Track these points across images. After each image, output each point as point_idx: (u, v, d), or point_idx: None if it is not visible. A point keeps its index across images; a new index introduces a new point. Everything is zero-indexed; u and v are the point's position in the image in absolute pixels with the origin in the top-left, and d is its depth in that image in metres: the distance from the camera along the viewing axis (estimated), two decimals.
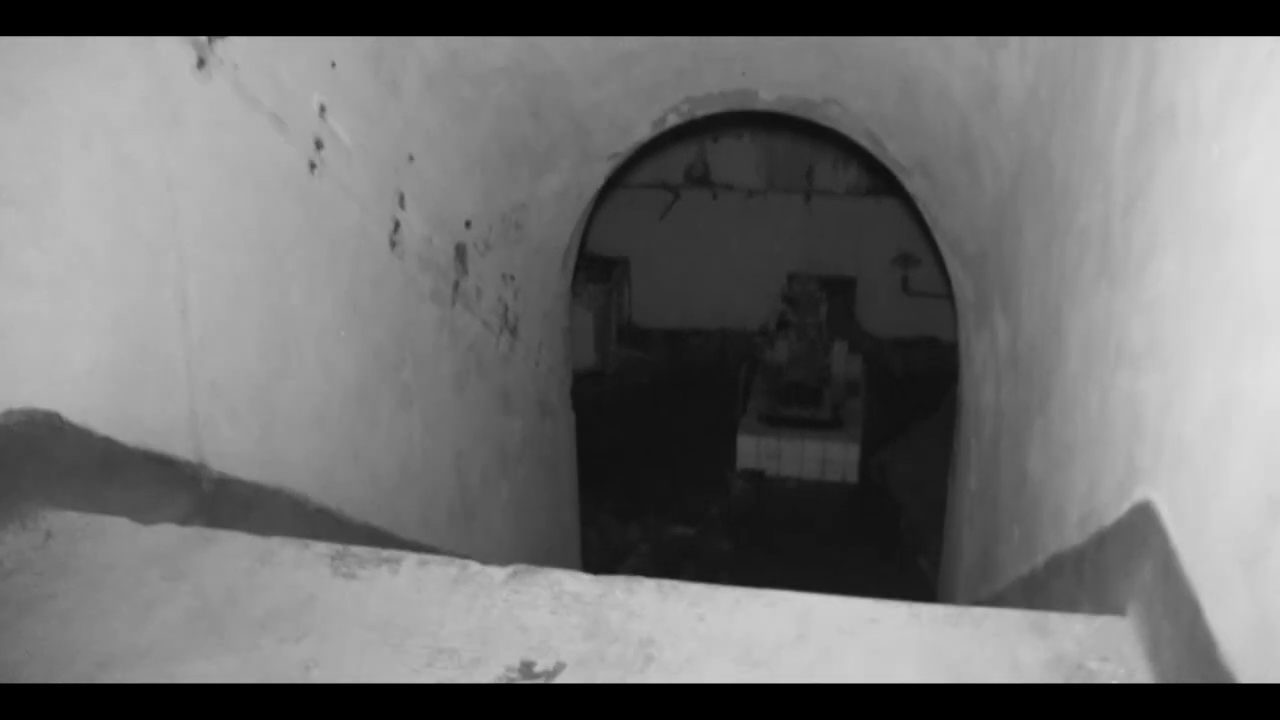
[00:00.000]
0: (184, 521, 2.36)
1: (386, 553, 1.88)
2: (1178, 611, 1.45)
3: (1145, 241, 1.73)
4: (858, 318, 10.41)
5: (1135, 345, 1.77)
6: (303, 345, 2.81)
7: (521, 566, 1.84)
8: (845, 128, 4.54)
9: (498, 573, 1.82)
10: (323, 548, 1.89)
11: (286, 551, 1.87)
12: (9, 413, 1.96)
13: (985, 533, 3.77)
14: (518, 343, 4.53)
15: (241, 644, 1.64)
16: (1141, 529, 1.65)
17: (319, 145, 2.74)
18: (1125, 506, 1.75)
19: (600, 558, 7.27)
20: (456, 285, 3.77)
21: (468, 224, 3.80)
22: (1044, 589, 2.47)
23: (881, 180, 8.85)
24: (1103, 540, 1.90)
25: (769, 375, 8.69)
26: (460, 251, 3.78)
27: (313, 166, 2.73)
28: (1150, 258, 1.70)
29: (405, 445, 3.51)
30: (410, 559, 1.86)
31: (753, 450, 8.35)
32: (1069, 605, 2.17)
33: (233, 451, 2.56)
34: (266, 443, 2.69)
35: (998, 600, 3.25)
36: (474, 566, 1.84)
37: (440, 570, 1.83)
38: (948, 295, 9.41)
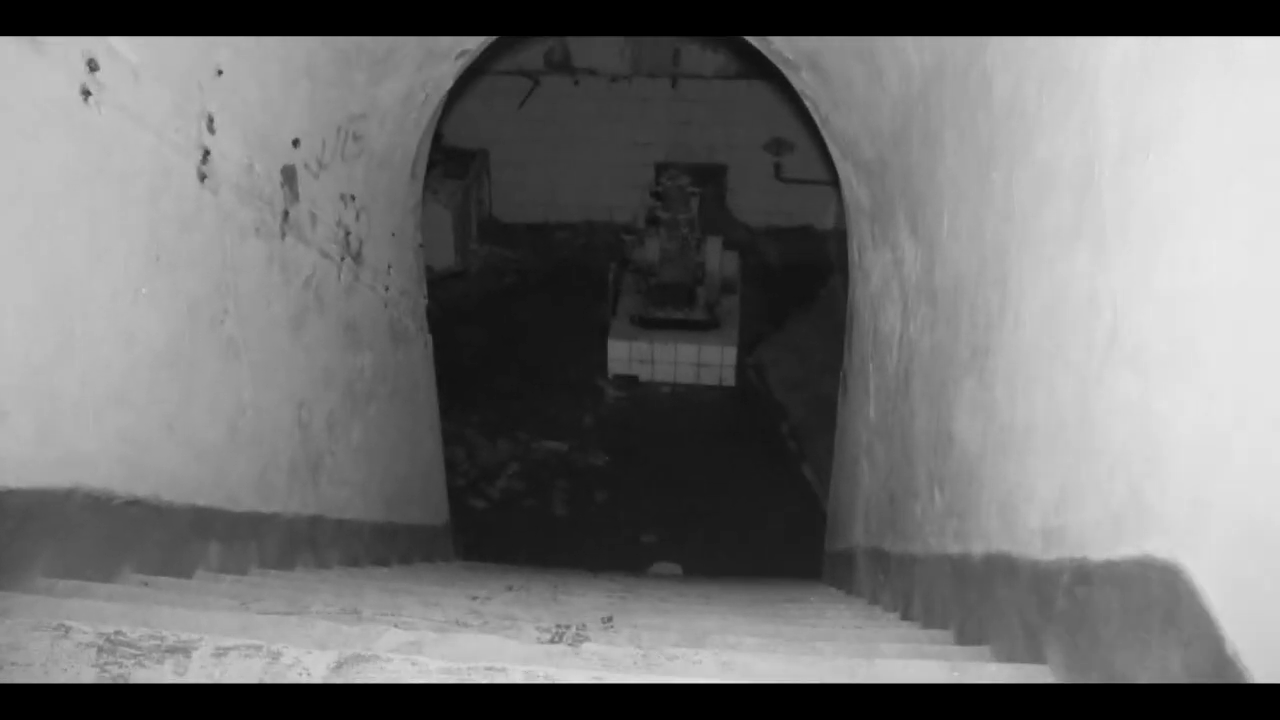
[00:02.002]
0: None
1: (171, 638, 1.43)
2: None
3: (1164, 208, 1.36)
4: (730, 207, 10.07)
5: (1147, 345, 1.41)
6: (90, 314, 2.30)
7: (348, 653, 1.43)
8: None
9: (317, 665, 1.40)
10: (86, 633, 1.43)
11: (35, 646, 1.41)
12: None
13: (890, 475, 3.51)
14: (363, 269, 4.03)
15: None
16: (1162, 598, 1.34)
17: (93, 66, 2.19)
18: (1127, 552, 1.43)
19: (469, 479, 6.91)
20: (286, 215, 3.26)
21: (295, 143, 3.27)
22: (988, 594, 2.19)
23: (752, 63, 8.43)
24: (1087, 577, 1.59)
25: (639, 275, 8.30)
26: (288, 175, 3.25)
27: (87, 94, 2.19)
28: (1176, 232, 1.33)
29: (233, 406, 3.04)
30: (203, 648, 1.41)
31: (624, 355, 8.01)
32: (1028, 631, 1.90)
33: (2, 457, 2.08)
34: (49, 438, 2.21)
35: (915, 565, 3.00)
36: (286, 656, 1.41)
37: (241, 665, 1.40)
38: (824, 182, 9.18)
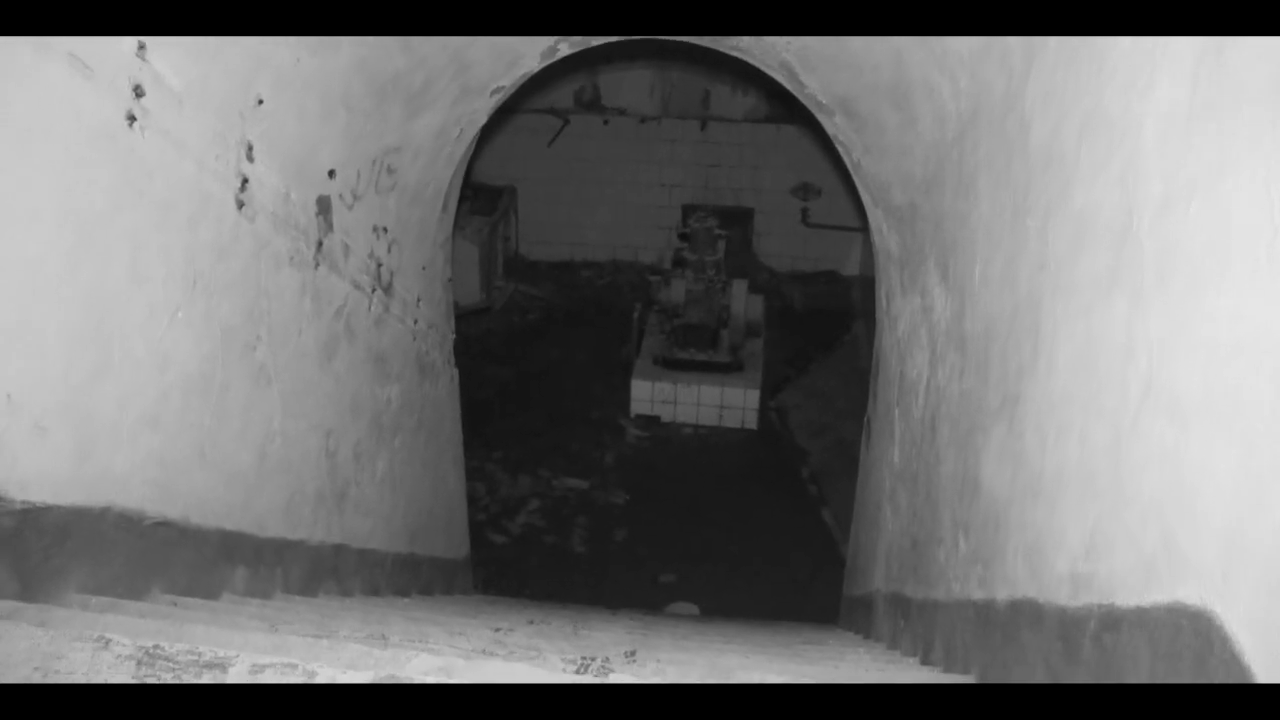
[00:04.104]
0: None
1: (208, 654, 1.45)
2: None
3: (1206, 258, 1.36)
4: (756, 250, 10.11)
5: (1184, 394, 1.41)
6: (127, 335, 2.33)
7: (383, 674, 1.44)
8: (757, 59, 4.13)
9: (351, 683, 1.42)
10: (126, 645, 1.45)
11: (77, 656, 1.43)
12: None
13: (913, 521, 3.49)
14: (393, 301, 4.07)
15: None
16: (1193, 645, 1.33)
17: (139, 92, 2.24)
18: (1158, 599, 1.43)
19: (489, 513, 6.91)
20: (320, 245, 3.30)
21: (331, 173, 3.32)
22: (1012, 639, 2.18)
23: (782, 107, 8.49)
24: (1115, 624, 1.58)
25: (664, 316, 8.32)
26: (323, 205, 3.30)
27: (132, 119, 2.24)
28: (1219, 283, 1.33)
29: (263, 432, 3.06)
30: (240, 665, 1.43)
31: (647, 395, 8.02)
32: (1053, 676, 1.89)
33: (40, 474, 2.10)
34: (85, 457, 2.23)
35: (937, 610, 2.98)
36: (322, 675, 1.43)
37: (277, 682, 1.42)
38: (850, 228, 9.21)
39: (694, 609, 6.21)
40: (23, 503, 2.04)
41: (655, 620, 4.71)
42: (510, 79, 4.17)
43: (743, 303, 8.27)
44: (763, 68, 4.21)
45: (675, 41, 4.15)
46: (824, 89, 3.91)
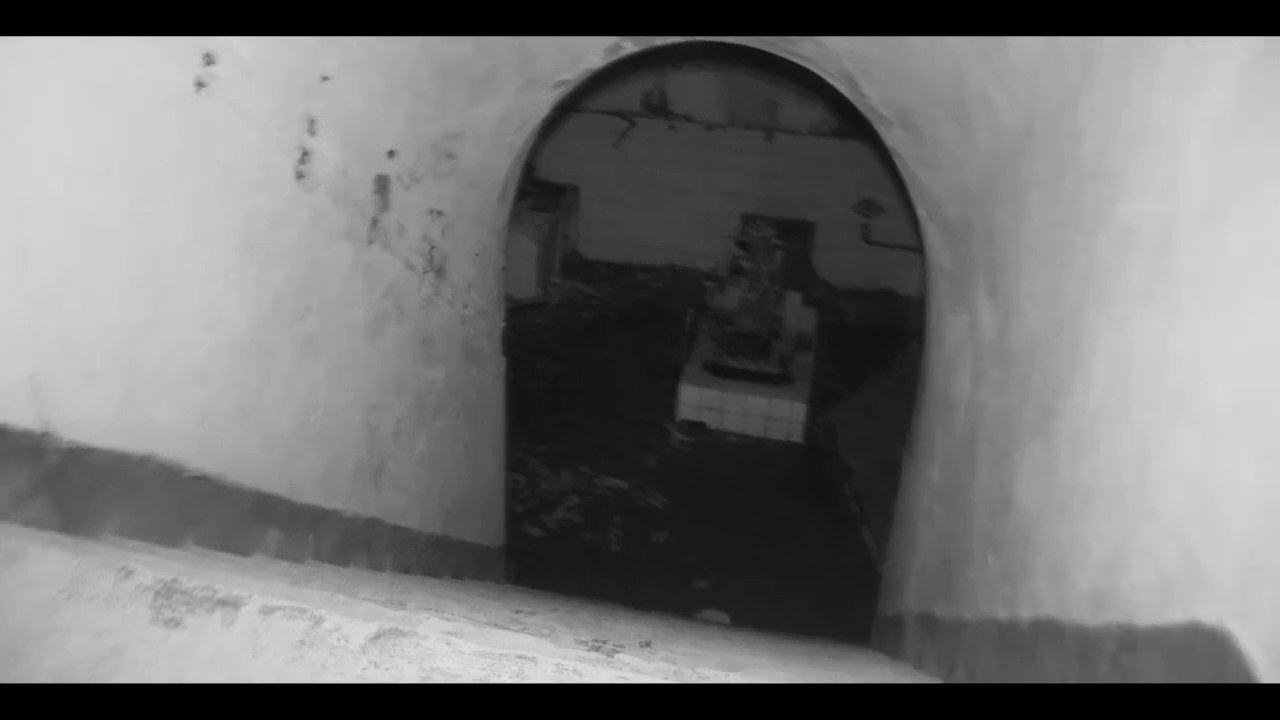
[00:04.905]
0: (21, 499, 1.99)
1: (224, 592, 1.49)
2: None
3: (1242, 268, 1.35)
4: (814, 264, 10.08)
5: (1213, 406, 1.39)
6: (181, 292, 2.40)
7: (388, 626, 1.47)
8: (819, 67, 4.13)
9: (356, 634, 1.45)
10: (147, 577, 1.50)
11: (100, 582, 1.48)
12: None
13: (947, 539, 3.47)
14: (444, 284, 4.12)
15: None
16: (1208, 666, 1.31)
17: (209, 60, 2.30)
18: (1176, 618, 1.41)
19: (528, 506, 6.95)
20: (375, 222, 3.35)
21: (391, 154, 3.37)
22: (1032, 660, 2.16)
23: (849, 121, 8.46)
24: (1133, 644, 1.56)
25: (717, 322, 8.33)
26: (381, 184, 3.35)
27: (200, 85, 2.30)
28: (1254, 293, 1.31)
29: (306, 400, 3.12)
30: (252, 605, 1.47)
31: (694, 401, 8.03)
32: None
33: (88, 416, 2.17)
34: (131, 405, 2.30)
35: (963, 630, 2.96)
36: (329, 621, 1.46)
37: (285, 625, 1.46)
38: (911, 248, 9.14)
39: (725, 617, 6.20)
40: (69, 442, 2.11)
41: (682, 623, 4.72)
42: (574, 73, 4.21)
43: (796, 315, 8.25)
44: (825, 76, 4.21)
45: (742, 47, 4.17)
46: (884, 100, 3.91)
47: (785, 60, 4.23)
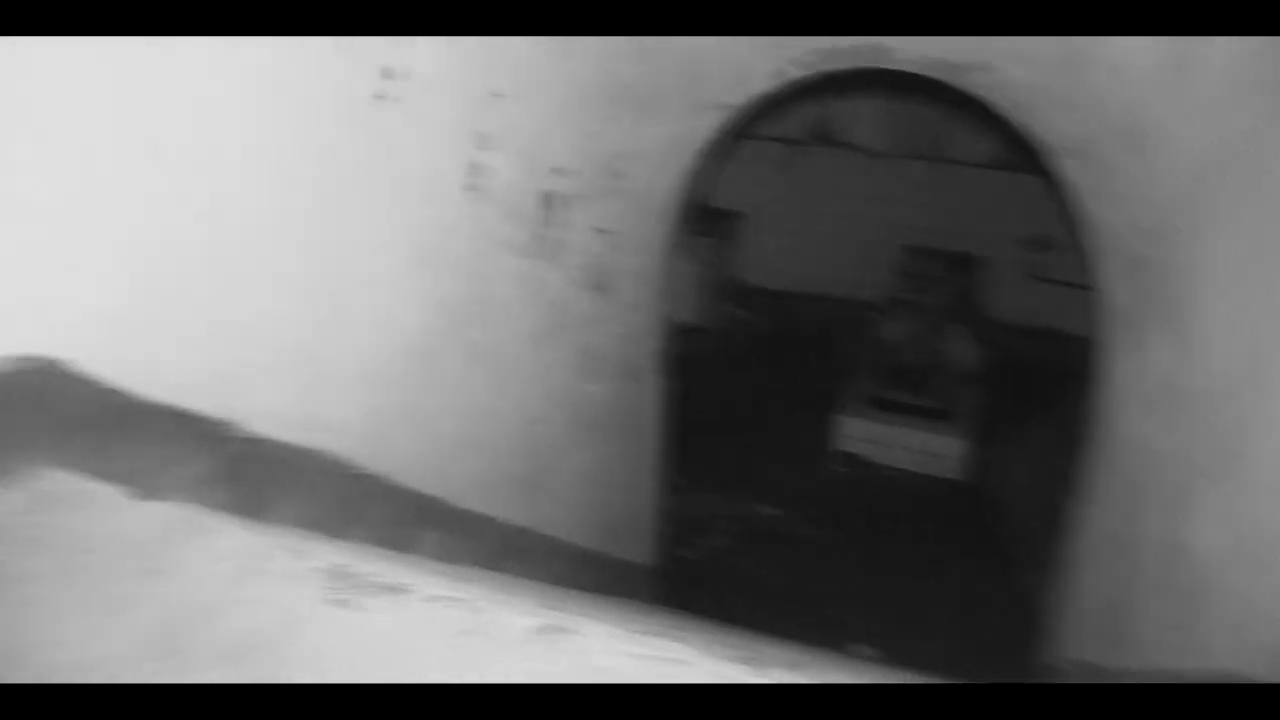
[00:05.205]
0: (204, 483, 2.12)
1: (390, 579, 1.57)
2: None
3: None
4: (979, 299, 9.84)
5: None
6: (357, 294, 2.52)
7: (548, 622, 1.52)
8: (990, 97, 4.05)
9: (516, 626, 1.50)
10: (321, 557, 1.59)
11: (278, 559, 1.57)
12: (11, 359, 1.73)
13: (1113, 584, 3.33)
14: (606, 302, 4.20)
15: (201, 676, 1.36)
16: None
17: (387, 74, 2.43)
18: None
19: (678, 529, 6.97)
20: (541, 236, 3.45)
21: (559, 170, 3.47)
22: None
23: (1018, 153, 8.24)
24: None
25: (878, 354, 8.21)
26: (548, 200, 3.45)
27: (381, 97, 2.43)
28: None
29: (469, 407, 3.22)
30: (416, 593, 1.54)
31: (852, 433, 7.91)
32: None
33: (267, 408, 2.30)
34: (307, 400, 2.43)
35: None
36: (490, 613, 1.51)
37: (448, 614, 1.51)
38: (1080, 285, 8.82)
39: (875, 652, 6.08)
40: (249, 432, 2.24)
41: (832, 654, 4.65)
42: (739, 97, 4.24)
43: (959, 349, 8.07)
44: (997, 106, 4.13)
45: (910, 76, 4.13)
46: (1057, 131, 3.81)
47: (955, 90, 4.17)
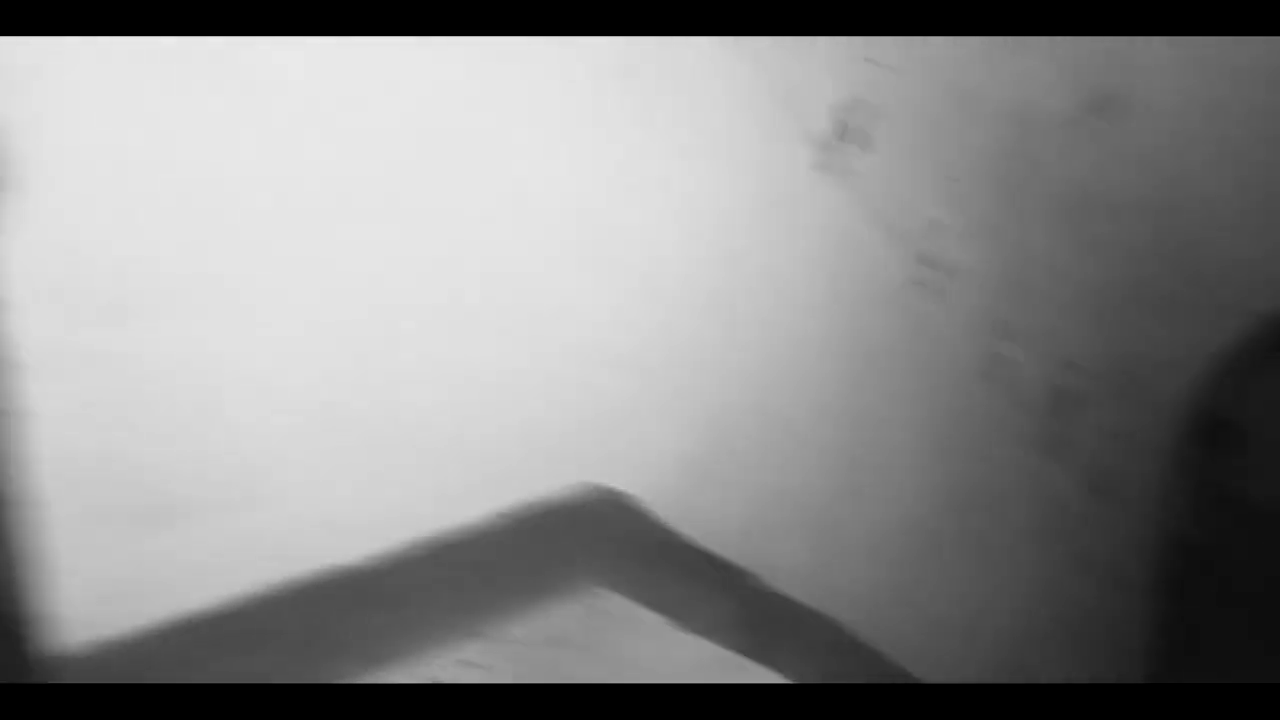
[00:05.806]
0: (719, 627, 2.28)
1: None
2: None
3: None
4: None
5: None
6: (869, 467, 2.63)
7: None
8: None
9: None
10: None
11: None
12: (586, 487, 1.98)
13: None
14: (1106, 506, 4.00)
15: None
16: None
17: (924, 261, 2.58)
18: None
19: None
20: (1049, 432, 3.40)
21: (1072, 365, 3.43)
22: None
23: None
24: None
25: None
26: (1059, 395, 3.40)
27: (913, 282, 2.57)
28: None
29: (964, 595, 3.18)
30: None
31: None
32: None
33: (782, 565, 2.44)
34: (816, 564, 2.54)
35: None
36: None
37: None
38: None
39: None
40: (764, 585, 2.38)
41: None
42: (1269, 304, 3.98)
43: None
44: None
45: None
46: None
47: None
